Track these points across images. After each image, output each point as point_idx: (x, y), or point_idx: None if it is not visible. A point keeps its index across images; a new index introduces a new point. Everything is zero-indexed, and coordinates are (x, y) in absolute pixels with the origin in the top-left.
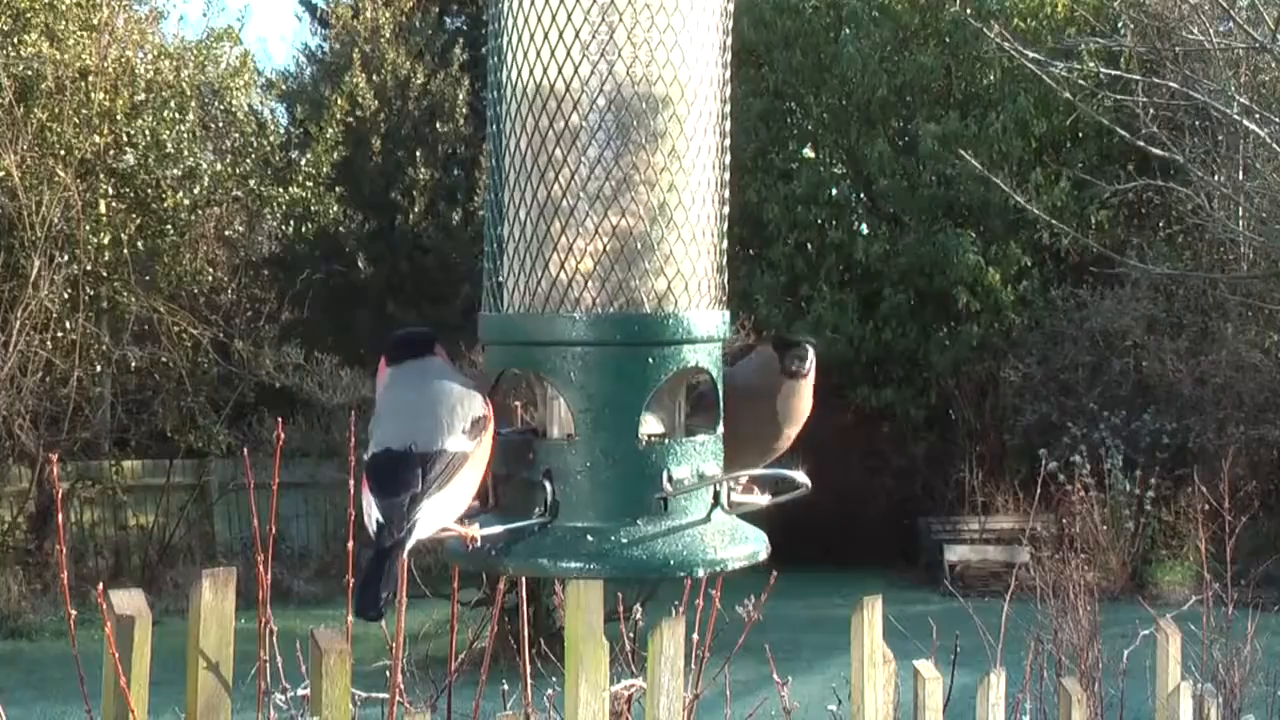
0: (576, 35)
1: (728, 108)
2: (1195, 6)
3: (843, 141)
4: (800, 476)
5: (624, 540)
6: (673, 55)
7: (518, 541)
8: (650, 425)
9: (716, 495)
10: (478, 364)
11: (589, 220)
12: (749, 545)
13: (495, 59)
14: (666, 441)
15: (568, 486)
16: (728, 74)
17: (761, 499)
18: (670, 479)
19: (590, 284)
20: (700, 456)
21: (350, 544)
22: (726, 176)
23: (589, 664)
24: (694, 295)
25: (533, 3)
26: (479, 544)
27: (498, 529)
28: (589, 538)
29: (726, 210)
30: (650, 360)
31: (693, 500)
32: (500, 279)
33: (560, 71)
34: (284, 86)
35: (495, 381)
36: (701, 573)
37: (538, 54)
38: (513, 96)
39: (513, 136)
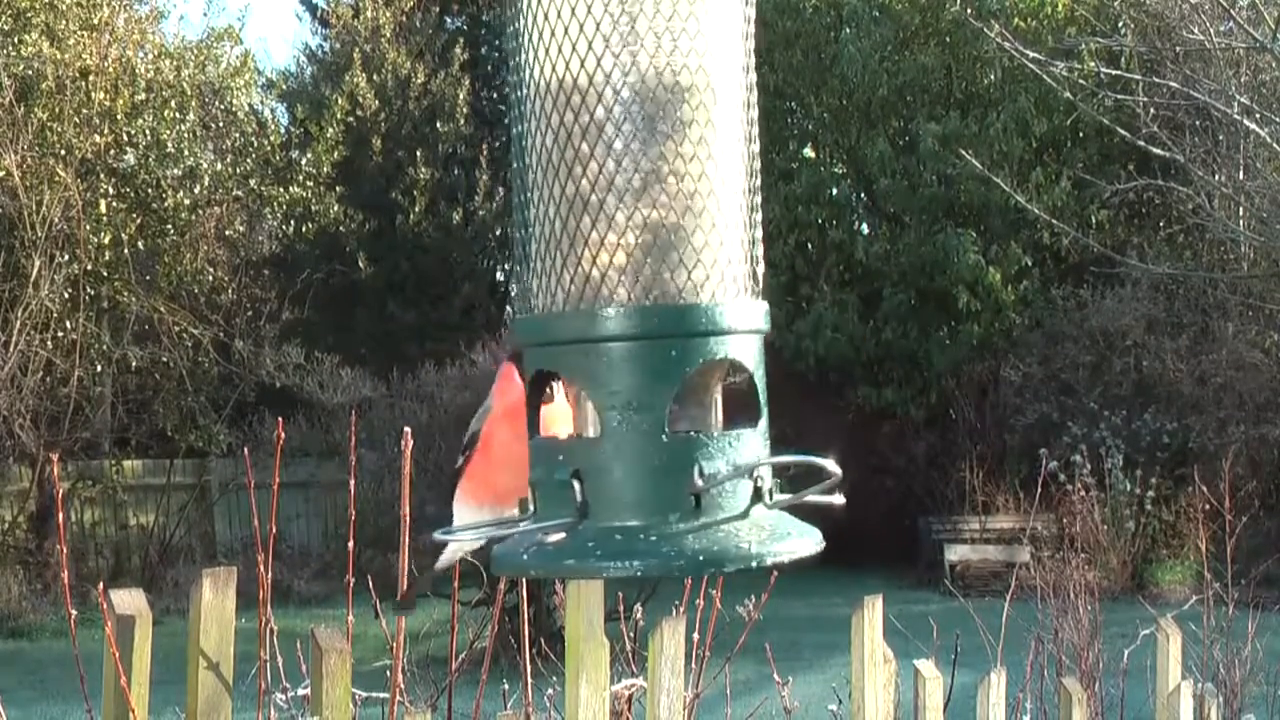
0: (598, 27)
1: (753, 95)
2: (1195, 6)
3: (843, 141)
4: (831, 465)
5: (654, 538)
6: (696, 43)
7: (548, 544)
8: (684, 421)
9: (758, 491)
10: (477, 363)
11: (619, 214)
12: (792, 541)
13: (515, 57)
14: (698, 436)
15: (597, 486)
16: (751, 60)
17: (813, 495)
18: (702, 474)
19: (624, 279)
20: (736, 451)
21: (350, 544)
22: (756, 165)
23: (589, 664)
24: (726, 286)
25: None
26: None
27: (519, 530)
28: (619, 536)
29: (758, 200)
30: (674, 353)
31: (730, 496)
32: (529, 280)
33: (584, 65)
34: (284, 86)
35: (530, 384)
36: (733, 568)
37: (559, 48)
38: (535, 93)
39: (537, 134)
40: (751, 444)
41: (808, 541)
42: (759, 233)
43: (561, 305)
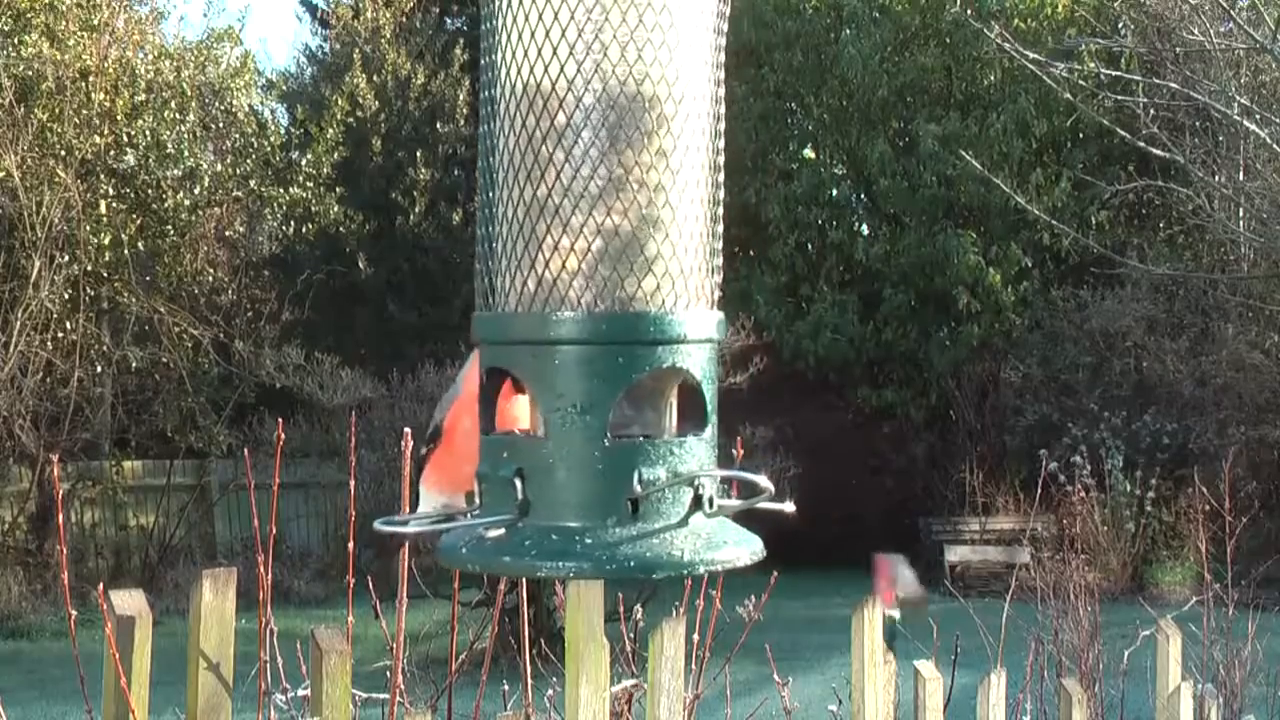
0: (563, 33)
1: (721, 108)
2: (1195, 7)
3: (843, 142)
4: (763, 481)
5: (589, 541)
6: (660, 54)
7: (487, 539)
8: (636, 426)
9: (698, 499)
10: None
11: (575, 219)
12: (728, 550)
13: (486, 58)
14: (640, 442)
15: (538, 485)
16: (721, 74)
17: (762, 503)
18: (641, 480)
19: (576, 283)
20: (678, 458)
21: (350, 545)
22: (720, 177)
23: (589, 664)
24: (679, 295)
25: (522, 1)
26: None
27: (463, 524)
28: (554, 537)
29: (720, 211)
30: (620, 360)
31: (669, 504)
32: (490, 278)
33: (547, 70)
34: (284, 87)
35: (481, 381)
36: (662, 575)
37: (525, 52)
38: (503, 95)
39: (502, 135)
40: (696, 452)
41: (744, 550)
42: (720, 244)
43: (515, 306)
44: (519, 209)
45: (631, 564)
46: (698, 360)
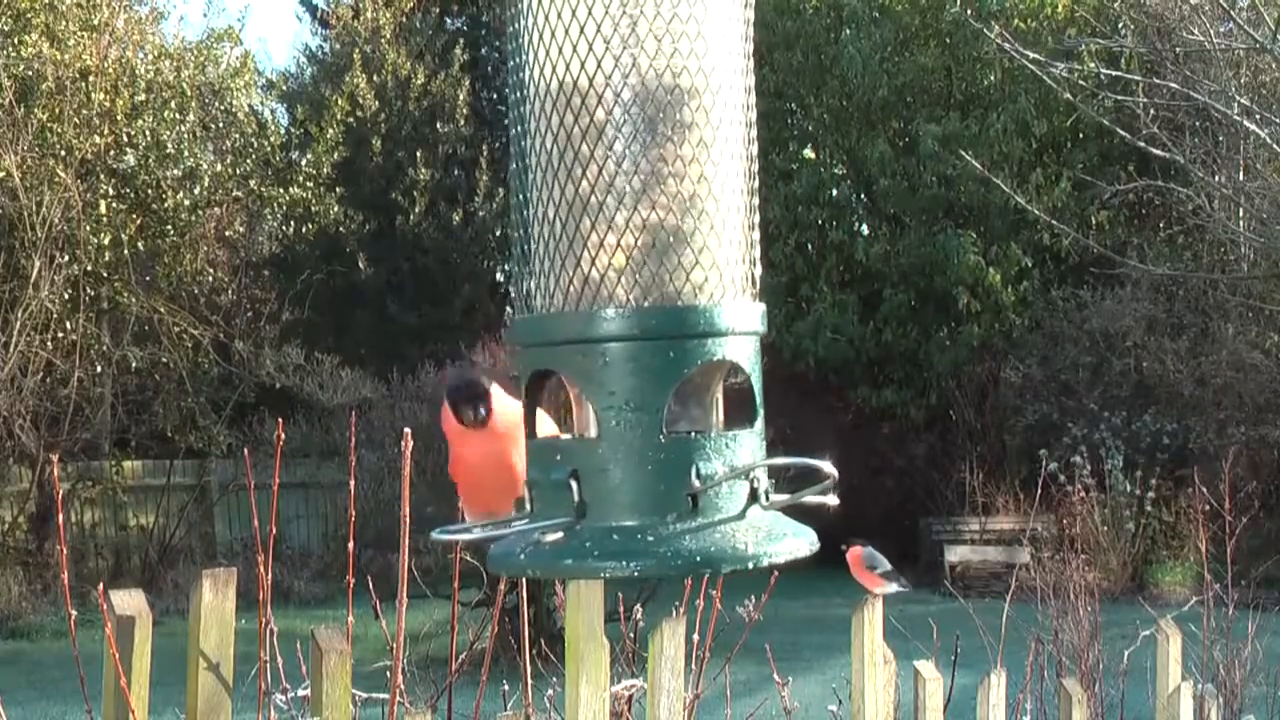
0: (598, 29)
1: (752, 97)
2: (1195, 7)
3: (843, 142)
4: (826, 466)
5: (651, 538)
6: (696, 45)
7: (545, 544)
8: (684, 421)
9: (754, 492)
10: (477, 364)
11: (619, 216)
12: (788, 542)
13: (516, 59)
14: (695, 437)
15: (594, 486)
16: (750, 63)
17: (810, 496)
18: (699, 475)
19: (623, 280)
20: (733, 452)
21: (350, 545)
22: (755, 167)
23: (589, 664)
24: (724, 288)
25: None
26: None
27: (516, 530)
28: (615, 537)
29: (756, 201)
30: (672, 354)
31: (726, 497)
32: (529, 281)
33: (584, 67)
34: (284, 87)
35: (526, 385)
36: (728, 569)
37: (559, 50)
38: (536, 95)
39: (538, 136)
40: (748, 445)
41: (803, 542)
42: (757, 234)
43: (561, 306)
44: (560, 209)
45: (698, 559)
46: (745, 353)
